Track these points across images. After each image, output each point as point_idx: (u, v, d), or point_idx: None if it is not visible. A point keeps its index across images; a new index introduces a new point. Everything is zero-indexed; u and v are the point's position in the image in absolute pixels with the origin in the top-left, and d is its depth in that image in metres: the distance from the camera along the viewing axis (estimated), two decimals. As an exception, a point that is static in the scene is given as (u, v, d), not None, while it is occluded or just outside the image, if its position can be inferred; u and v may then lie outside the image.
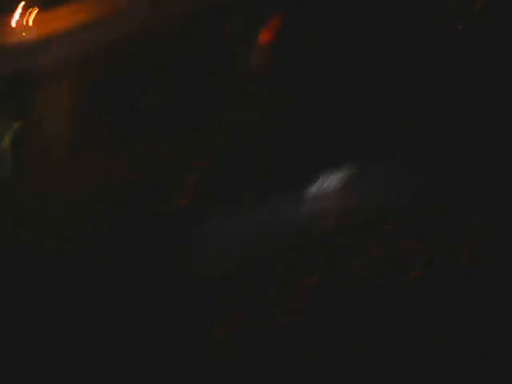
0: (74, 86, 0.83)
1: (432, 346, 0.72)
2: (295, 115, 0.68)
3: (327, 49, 0.65)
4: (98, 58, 0.82)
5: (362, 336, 0.73)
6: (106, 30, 0.87)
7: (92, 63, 0.83)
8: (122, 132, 0.81)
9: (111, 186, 0.77)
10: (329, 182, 0.71)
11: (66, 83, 0.83)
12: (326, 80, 0.66)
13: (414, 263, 0.70)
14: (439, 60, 0.60)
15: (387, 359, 0.72)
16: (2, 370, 0.81)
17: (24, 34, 0.96)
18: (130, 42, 0.83)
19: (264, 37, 0.73)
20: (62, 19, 0.92)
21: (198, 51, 0.77)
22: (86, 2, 0.88)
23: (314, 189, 0.72)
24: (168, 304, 0.75)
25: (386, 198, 0.68)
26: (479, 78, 0.58)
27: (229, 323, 0.74)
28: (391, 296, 0.71)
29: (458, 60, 0.60)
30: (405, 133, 0.63)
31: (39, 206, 0.81)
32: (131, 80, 0.81)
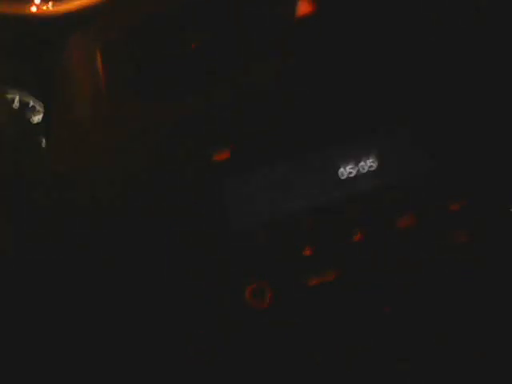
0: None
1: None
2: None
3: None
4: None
5: (397, 298, 0.64)
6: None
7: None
8: (153, 82, 0.70)
9: (145, 138, 0.66)
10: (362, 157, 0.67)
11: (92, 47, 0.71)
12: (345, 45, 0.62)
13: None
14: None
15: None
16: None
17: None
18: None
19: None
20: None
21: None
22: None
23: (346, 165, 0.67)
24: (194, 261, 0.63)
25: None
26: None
27: (260, 281, 0.62)
28: (435, 256, 0.64)
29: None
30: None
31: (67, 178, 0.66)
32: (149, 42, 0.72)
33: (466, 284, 0.67)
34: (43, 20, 0.81)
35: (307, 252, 0.68)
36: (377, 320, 0.68)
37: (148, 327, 0.70)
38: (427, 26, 0.71)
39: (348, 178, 0.69)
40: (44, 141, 0.83)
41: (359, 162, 0.69)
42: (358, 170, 0.69)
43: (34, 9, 0.78)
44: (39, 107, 0.87)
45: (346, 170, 0.69)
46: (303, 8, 0.73)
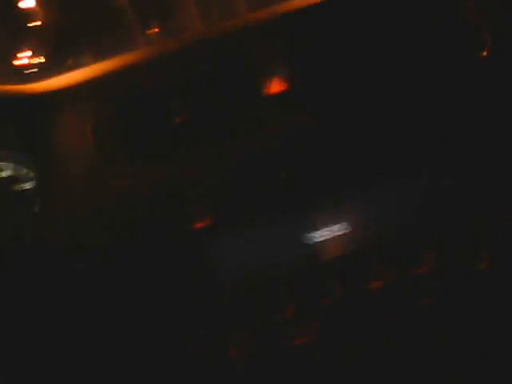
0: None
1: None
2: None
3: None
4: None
5: (371, 357, 0.68)
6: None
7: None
8: (137, 150, 0.75)
9: (128, 203, 0.70)
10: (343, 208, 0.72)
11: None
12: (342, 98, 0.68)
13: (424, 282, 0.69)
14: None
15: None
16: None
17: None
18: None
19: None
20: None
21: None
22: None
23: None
24: (179, 315, 0.67)
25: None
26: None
27: (243, 343, 0.65)
28: (410, 314, 0.69)
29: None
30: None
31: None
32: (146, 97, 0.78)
33: (436, 343, 0.70)
34: (37, 95, 0.85)
35: (287, 315, 0.70)
36: (355, 378, 0.70)
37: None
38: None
39: (320, 242, 0.73)
40: (36, 208, 0.86)
41: (330, 226, 0.73)
42: (330, 234, 0.73)
43: (25, 61, 0.82)
44: (31, 176, 0.90)
45: (318, 234, 0.73)
46: (275, 86, 0.79)
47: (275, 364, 0.69)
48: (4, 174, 0.90)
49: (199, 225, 0.72)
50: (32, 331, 0.73)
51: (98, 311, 0.72)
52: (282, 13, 0.81)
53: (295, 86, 0.77)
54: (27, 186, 0.90)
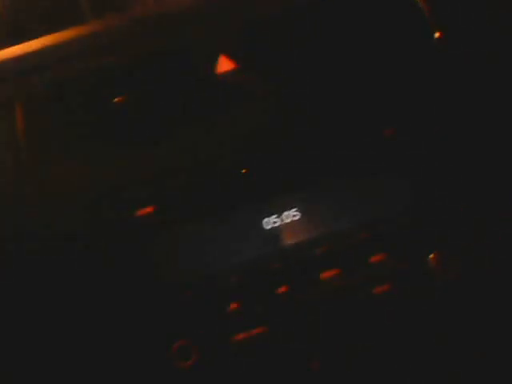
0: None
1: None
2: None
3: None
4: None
5: (326, 349, 0.67)
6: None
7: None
8: (100, 135, 0.71)
9: (88, 192, 0.67)
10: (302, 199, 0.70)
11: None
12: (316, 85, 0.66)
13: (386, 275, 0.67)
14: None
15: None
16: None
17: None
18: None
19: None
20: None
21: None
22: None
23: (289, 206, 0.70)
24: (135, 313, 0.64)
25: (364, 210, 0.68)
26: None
27: (187, 338, 0.63)
28: (360, 309, 0.68)
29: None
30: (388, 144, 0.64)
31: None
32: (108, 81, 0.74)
33: (390, 335, 0.68)
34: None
35: (233, 307, 0.67)
36: (305, 375, 0.68)
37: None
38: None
39: (272, 229, 0.70)
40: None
41: (282, 212, 0.70)
42: (282, 221, 0.70)
43: None
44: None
45: (270, 222, 0.70)
46: (223, 65, 0.75)
47: (224, 361, 0.66)
48: None
49: (144, 221, 0.68)
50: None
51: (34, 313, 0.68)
52: None
53: (252, 65, 0.74)
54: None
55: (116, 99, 0.75)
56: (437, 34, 0.73)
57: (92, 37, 0.79)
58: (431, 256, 0.68)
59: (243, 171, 0.70)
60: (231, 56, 0.75)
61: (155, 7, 0.97)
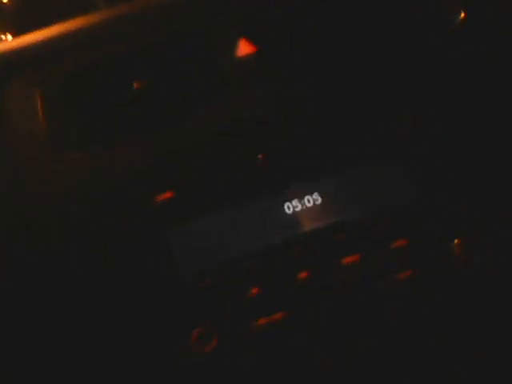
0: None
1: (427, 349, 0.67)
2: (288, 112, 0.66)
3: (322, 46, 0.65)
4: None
5: (350, 338, 0.66)
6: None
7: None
8: (106, 128, 0.71)
9: (96, 184, 0.66)
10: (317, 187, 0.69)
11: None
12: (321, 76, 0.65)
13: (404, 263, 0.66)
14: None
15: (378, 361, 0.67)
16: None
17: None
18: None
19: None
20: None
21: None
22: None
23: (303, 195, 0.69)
24: (148, 305, 0.64)
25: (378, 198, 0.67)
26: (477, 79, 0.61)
27: (212, 325, 0.62)
28: (380, 295, 0.67)
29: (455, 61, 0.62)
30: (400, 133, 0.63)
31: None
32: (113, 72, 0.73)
33: (409, 321, 0.67)
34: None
35: (253, 293, 0.67)
36: (325, 360, 0.67)
37: (93, 373, 0.68)
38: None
39: (293, 214, 0.69)
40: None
41: (303, 197, 0.70)
42: (303, 206, 0.69)
43: None
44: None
45: (292, 205, 0.69)
46: (243, 48, 0.74)
47: (242, 348, 0.65)
48: None
49: (160, 206, 0.68)
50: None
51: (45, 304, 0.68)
52: None
53: (264, 53, 0.73)
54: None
55: (133, 85, 0.74)
56: (457, 18, 0.72)
57: (108, 23, 0.79)
58: (455, 242, 0.67)
59: (263, 156, 0.70)
60: (247, 40, 0.75)
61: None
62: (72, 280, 0.69)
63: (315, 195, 0.69)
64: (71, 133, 0.73)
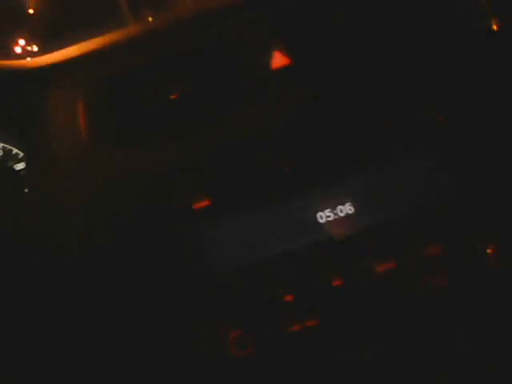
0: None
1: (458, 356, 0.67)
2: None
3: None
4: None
5: (379, 343, 0.66)
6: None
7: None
8: (134, 131, 0.73)
9: (125, 186, 0.68)
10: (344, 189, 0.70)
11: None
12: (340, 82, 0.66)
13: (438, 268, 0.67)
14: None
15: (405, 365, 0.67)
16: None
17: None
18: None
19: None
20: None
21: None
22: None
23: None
24: (177, 304, 0.70)
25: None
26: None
27: (238, 325, 0.63)
28: (415, 301, 0.67)
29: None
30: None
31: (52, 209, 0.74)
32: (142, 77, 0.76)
33: (444, 326, 0.68)
34: (26, 71, 0.83)
35: (288, 298, 0.68)
36: (359, 366, 0.68)
37: (132, 373, 0.70)
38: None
39: (326, 222, 0.70)
40: (27, 188, 0.83)
41: (336, 206, 0.71)
42: (336, 214, 0.71)
43: (18, 49, 0.80)
44: (22, 155, 0.88)
45: (324, 214, 0.71)
46: (278, 60, 0.76)
47: (275, 353, 0.66)
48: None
49: (197, 207, 0.70)
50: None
51: (94, 299, 0.69)
52: None
53: (295, 63, 0.75)
54: (18, 166, 0.88)
55: (171, 91, 0.77)
56: (493, 23, 0.73)
57: (148, 33, 0.81)
58: (489, 248, 0.68)
59: (296, 164, 0.71)
60: (281, 52, 0.76)
61: (195, 6, 0.99)
62: (107, 280, 0.71)
63: (348, 204, 0.71)
64: (110, 134, 0.76)
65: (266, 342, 0.67)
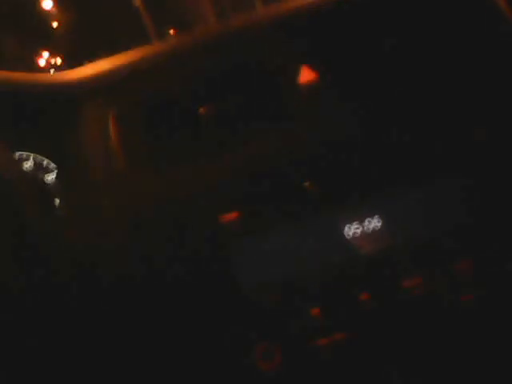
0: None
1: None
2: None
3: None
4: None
5: (410, 358, 0.66)
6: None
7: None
8: (163, 148, 0.74)
9: (153, 200, 0.69)
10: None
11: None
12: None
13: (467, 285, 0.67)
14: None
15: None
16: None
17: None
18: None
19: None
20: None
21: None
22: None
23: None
24: (207, 316, 0.71)
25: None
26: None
27: (270, 340, 0.63)
28: (442, 317, 0.67)
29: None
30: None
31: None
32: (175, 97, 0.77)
33: (472, 344, 0.68)
34: (58, 85, 0.85)
35: (315, 312, 0.69)
36: (385, 379, 0.68)
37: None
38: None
39: (354, 237, 0.71)
40: (57, 200, 0.85)
41: (364, 221, 0.71)
42: (363, 230, 0.71)
43: (42, 62, 0.82)
44: (53, 167, 0.89)
45: (352, 229, 0.71)
46: (305, 76, 0.77)
47: (303, 366, 0.67)
48: (26, 164, 0.90)
49: (228, 224, 0.71)
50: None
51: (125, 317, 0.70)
52: (296, 8, 0.78)
53: (315, 84, 0.75)
54: (49, 177, 0.89)
55: (200, 109, 0.78)
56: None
57: (178, 52, 0.83)
58: None
59: (325, 179, 0.72)
60: (308, 68, 0.78)
61: (218, 25, 1.01)
62: (136, 291, 0.72)
63: (376, 219, 0.71)
64: (140, 151, 0.77)
65: (292, 355, 0.68)
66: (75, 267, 0.74)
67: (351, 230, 0.71)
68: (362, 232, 0.71)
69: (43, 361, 0.66)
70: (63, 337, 0.69)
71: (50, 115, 0.84)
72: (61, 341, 0.69)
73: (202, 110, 0.78)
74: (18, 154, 0.89)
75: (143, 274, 0.71)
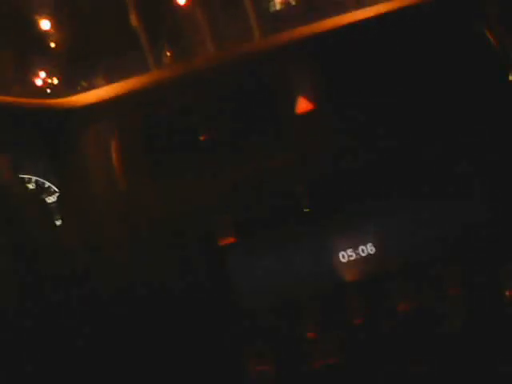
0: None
1: None
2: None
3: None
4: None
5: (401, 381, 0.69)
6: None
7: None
8: (165, 170, 0.77)
9: (154, 223, 0.72)
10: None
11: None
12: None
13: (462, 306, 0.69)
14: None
15: None
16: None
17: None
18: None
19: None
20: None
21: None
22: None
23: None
24: (203, 335, 0.73)
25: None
26: None
27: (264, 361, 0.69)
28: (437, 341, 0.69)
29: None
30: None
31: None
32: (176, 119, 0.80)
33: (467, 369, 0.69)
34: (60, 110, 0.87)
35: (310, 335, 0.70)
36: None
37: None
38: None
39: (348, 262, 0.73)
40: (58, 220, 0.87)
41: (358, 246, 0.73)
42: (358, 254, 0.73)
43: (39, 82, 0.84)
44: (54, 190, 0.91)
45: (347, 254, 0.73)
46: (302, 106, 0.80)
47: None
48: (29, 186, 0.92)
49: (224, 241, 0.73)
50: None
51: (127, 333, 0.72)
52: (298, 37, 0.81)
53: (312, 112, 0.78)
54: (50, 199, 0.91)
55: (200, 133, 0.81)
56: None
57: (179, 78, 0.86)
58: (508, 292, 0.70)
59: (319, 206, 0.74)
60: (305, 98, 0.80)
61: (217, 54, 1.03)
62: (138, 308, 0.74)
63: (370, 245, 0.73)
64: (141, 167, 0.80)
65: (288, 377, 0.69)
66: (73, 279, 0.75)
67: (345, 256, 0.74)
68: (355, 258, 0.73)
69: (43, 365, 0.68)
70: (62, 344, 0.71)
71: (52, 140, 0.86)
72: (60, 348, 0.70)
73: (200, 136, 0.81)
74: (20, 176, 0.91)
75: (140, 285, 0.73)
